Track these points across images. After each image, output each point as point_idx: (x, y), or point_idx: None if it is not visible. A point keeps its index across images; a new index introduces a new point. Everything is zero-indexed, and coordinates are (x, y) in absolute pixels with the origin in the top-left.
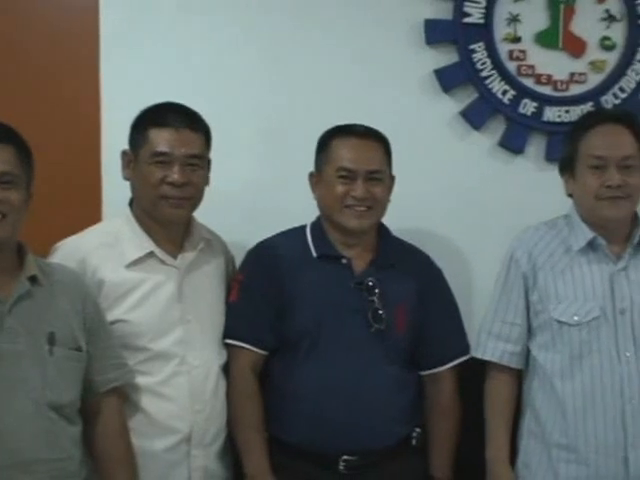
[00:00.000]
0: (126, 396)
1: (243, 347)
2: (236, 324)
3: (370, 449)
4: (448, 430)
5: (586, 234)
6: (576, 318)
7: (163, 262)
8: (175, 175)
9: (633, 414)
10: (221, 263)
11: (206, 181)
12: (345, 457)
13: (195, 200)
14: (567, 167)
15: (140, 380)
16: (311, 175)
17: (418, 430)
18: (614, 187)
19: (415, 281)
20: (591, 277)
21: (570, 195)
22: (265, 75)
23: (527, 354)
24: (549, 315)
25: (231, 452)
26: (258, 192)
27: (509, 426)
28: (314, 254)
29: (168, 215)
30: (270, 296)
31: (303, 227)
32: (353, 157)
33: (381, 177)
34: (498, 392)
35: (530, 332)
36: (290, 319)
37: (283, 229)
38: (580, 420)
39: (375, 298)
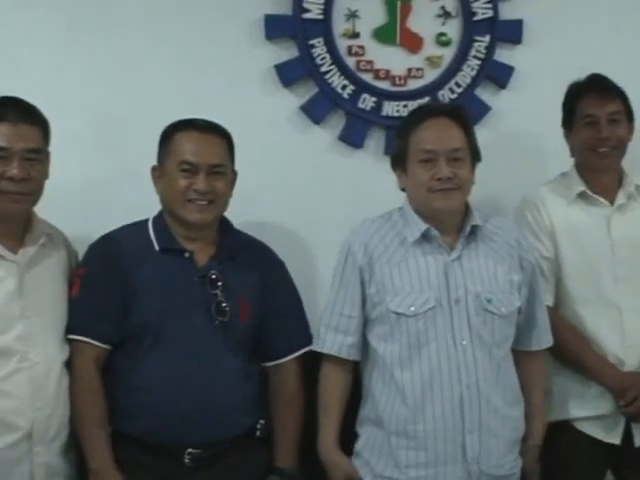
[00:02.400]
0: None
1: (85, 342)
2: (78, 319)
3: (214, 441)
4: (292, 420)
5: (420, 226)
6: (412, 309)
7: (3, 257)
8: (14, 170)
9: (470, 400)
10: (63, 257)
11: (46, 175)
12: (190, 450)
13: (35, 195)
14: (398, 162)
15: None
16: (153, 169)
17: (262, 421)
18: (444, 179)
19: (257, 273)
20: (426, 268)
21: (403, 189)
22: (104, 68)
23: (366, 345)
24: (386, 307)
25: (75, 448)
26: (99, 186)
27: (342, 416)
28: (156, 247)
29: (7, 210)
30: (112, 290)
31: (145, 221)
32: (195, 151)
33: (223, 171)
34: (333, 383)
35: (368, 324)
36: (133, 312)
37: (125, 223)
38: (419, 407)
39: (218, 291)
